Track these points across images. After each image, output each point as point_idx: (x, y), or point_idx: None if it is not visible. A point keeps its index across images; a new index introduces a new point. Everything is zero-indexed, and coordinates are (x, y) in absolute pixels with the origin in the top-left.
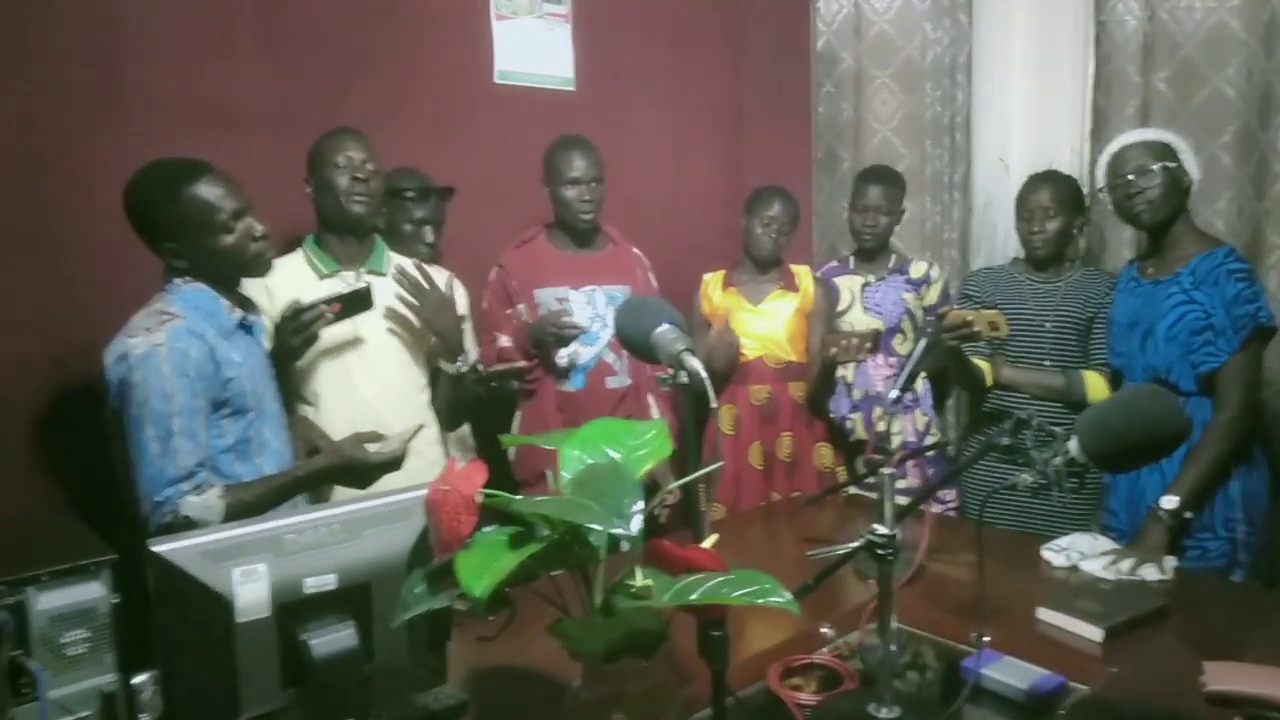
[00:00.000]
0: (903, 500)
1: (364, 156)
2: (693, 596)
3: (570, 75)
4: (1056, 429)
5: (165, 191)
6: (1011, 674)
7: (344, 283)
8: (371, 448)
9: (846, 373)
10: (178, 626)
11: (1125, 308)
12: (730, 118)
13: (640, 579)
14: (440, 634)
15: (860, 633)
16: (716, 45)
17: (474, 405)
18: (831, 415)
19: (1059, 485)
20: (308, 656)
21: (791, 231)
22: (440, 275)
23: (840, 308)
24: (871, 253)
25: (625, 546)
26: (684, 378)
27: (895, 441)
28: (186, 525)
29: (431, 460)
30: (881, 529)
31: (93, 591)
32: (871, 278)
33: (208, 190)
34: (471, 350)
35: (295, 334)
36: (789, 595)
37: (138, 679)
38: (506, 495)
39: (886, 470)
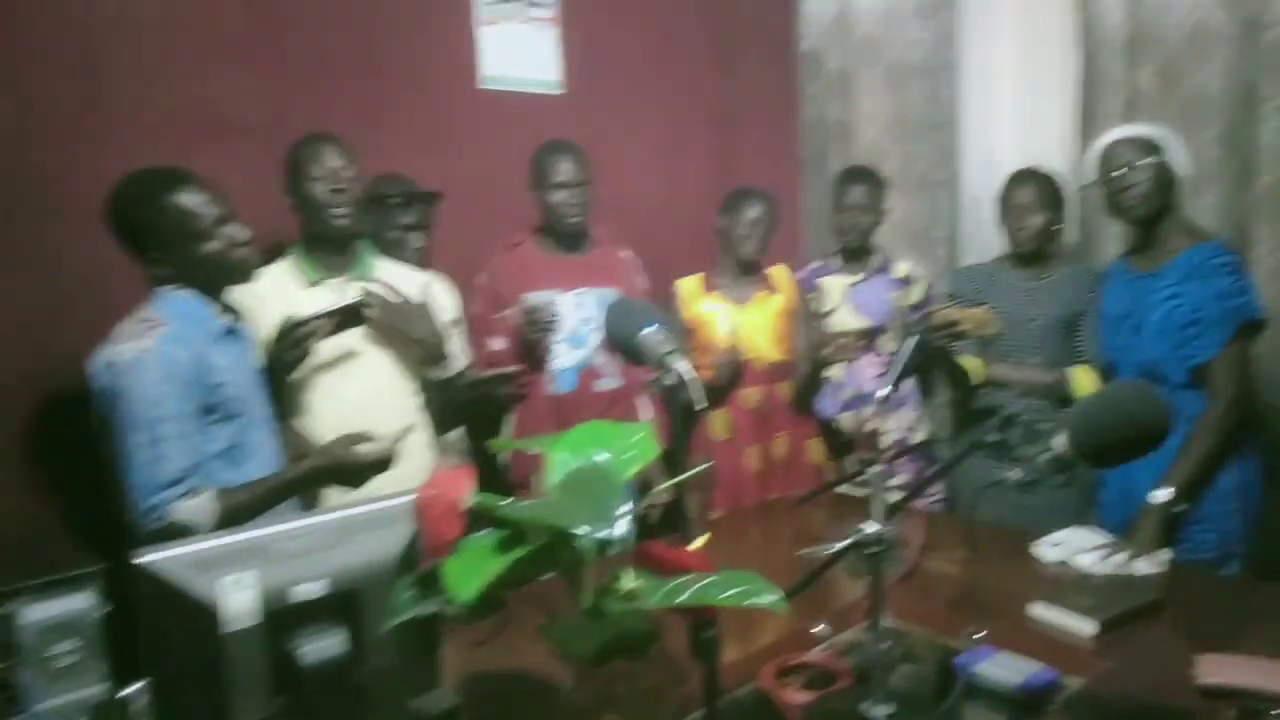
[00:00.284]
0: (895, 497)
1: (340, 163)
2: (681, 598)
3: (557, 78)
4: (1043, 425)
5: (146, 201)
6: (1005, 669)
7: (332, 290)
8: (361, 449)
9: (836, 372)
10: (166, 637)
11: (1115, 301)
12: (718, 119)
13: (629, 581)
14: (432, 638)
15: (853, 631)
16: (703, 46)
17: (465, 409)
18: (820, 415)
19: (1046, 481)
20: (298, 664)
21: (772, 232)
22: (418, 279)
23: (827, 308)
24: (856, 252)
25: (614, 549)
26: (671, 379)
27: (886, 439)
28: (178, 531)
29: (423, 464)
30: (871, 527)
31: (81, 602)
32: (857, 277)
33: (189, 198)
34: (461, 355)
35: (290, 349)
36: (778, 595)
37: (128, 690)
38: (494, 499)
39: (876, 468)
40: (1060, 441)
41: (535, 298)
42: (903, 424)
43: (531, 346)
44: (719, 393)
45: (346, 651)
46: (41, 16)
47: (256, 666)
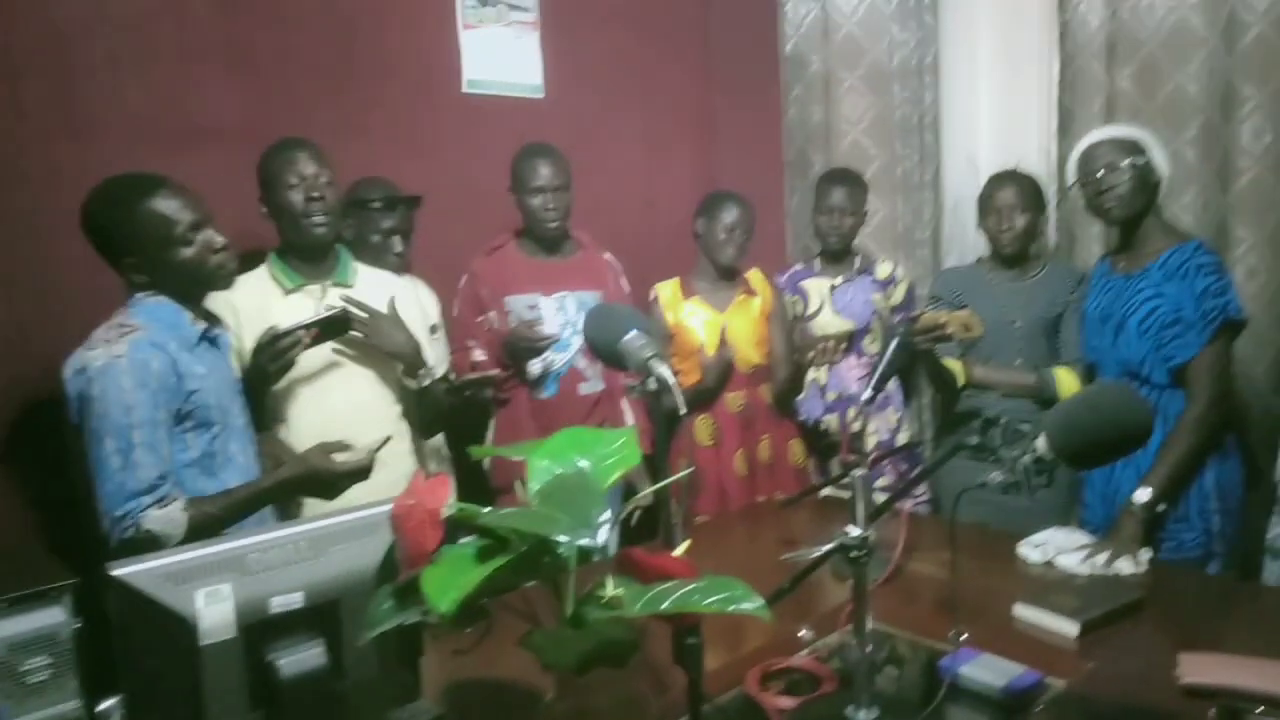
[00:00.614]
0: (881, 498)
1: (315, 169)
2: (663, 605)
3: (539, 82)
4: (1024, 427)
5: (121, 206)
6: (988, 671)
7: (310, 297)
8: (338, 458)
9: (819, 374)
10: (141, 651)
11: (1097, 303)
12: (701, 121)
13: (611, 589)
14: (412, 649)
15: (838, 634)
16: (686, 49)
17: (447, 414)
18: (803, 418)
19: (1028, 483)
20: (276, 677)
21: (751, 236)
22: (398, 283)
23: (810, 310)
24: (838, 254)
25: (595, 557)
26: (653, 384)
27: (870, 441)
28: (149, 540)
29: (403, 472)
30: (854, 530)
31: (53, 617)
32: (839, 279)
33: (164, 203)
34: (442, 359)
35: (272, 360)
36: (760, 601)
37: (103, 705)
38: (474, 508)
39: (859, 472)
40: (1041, 443)
41: (514, 302)
42: (886, 425)
43: (519, 360)
44: (708, 395)
45: (325, 663)
46: (15, 20)
47: (234, 679)
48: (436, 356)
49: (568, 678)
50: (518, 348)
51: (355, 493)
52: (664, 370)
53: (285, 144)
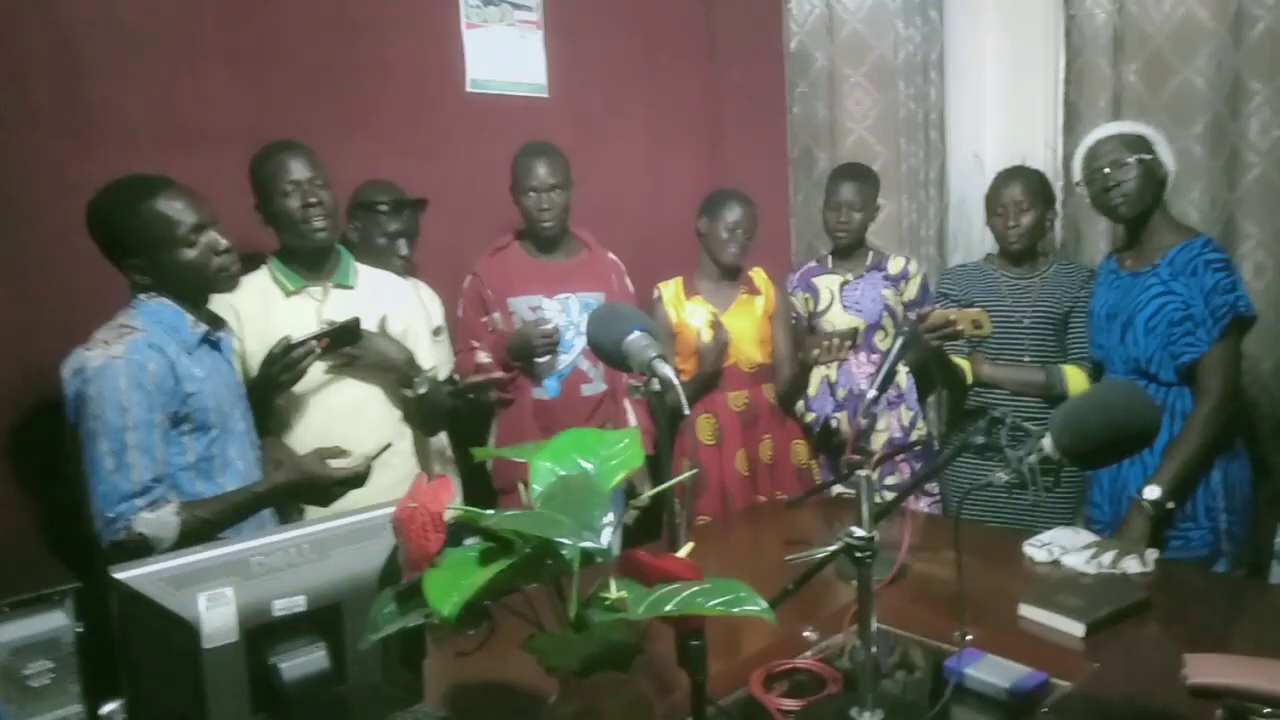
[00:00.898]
0: (889, 497)
1: (310, 174)
2: (667, 607)
3: (543, 82)
4: (1030, 426)
5: (126, 207)
6: (994, 673)
7: (312, 298)
8: (334, 464)
9: (830, 372)
10: (143, 654)
11: (1104, 300)
12: (706, 120)
13: (614, 591)
14: (415, 652)
15: (843, 635)
16: (690, 48)
17: (450, 415)
18: (815, 415)
19: (1034, 483)
20: (278, 680)
21: (754, 235)
22: (401, 284)
23: (820, 307)
24: (847, 250)
25: (598, 559)
26: (656, 385)
27: (880, 439)
28: (140, 543)
29: (405, 474)
30: (859, 531)
31: (55, 621)
32: (850, 276)
33: (167, 204)
34: (446, 361)
35: (284, 370)
36: (764, 603)
37: (105, 708)
38: (476, 511)
39: (863, 472)
40: (1047, 443)
41: (517, 303)
42: (898, 423)
43: (524, 360)
44: (709, 381)
45: (327, 667)
46: (20, 21)
47: (236, 683)
48: (440, 358)
49: (571, 680)
50: (527, 346)
51: (355, 497)
52: (667, 370)
53: (275, 149)
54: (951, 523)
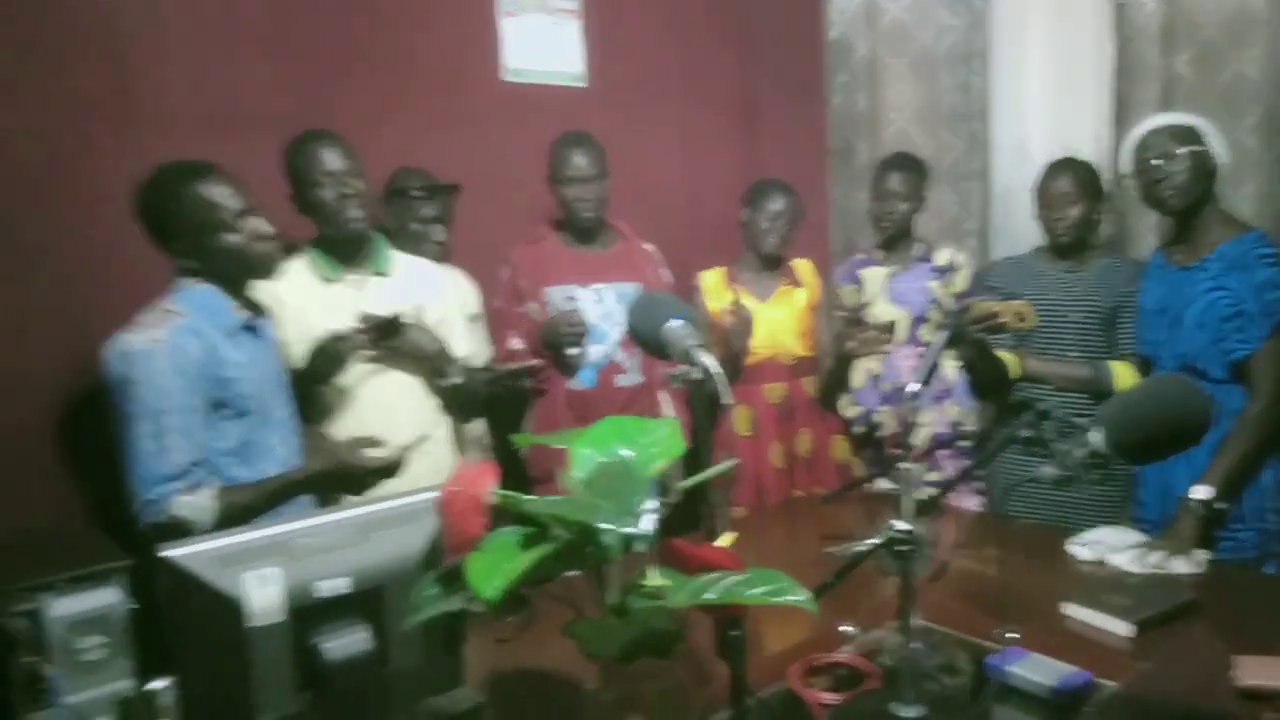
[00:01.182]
0: (931, 493)
1: (343, 166)
2: (708, 595)
3: (581, 71)
4: (1078, 420)
5: (171, 191)
6: (1038, 671)
7: (350, 286)
8: (368, 453)
9: (874, 365)
10: (191, 632)
11: (1153, 295)
12: (744, 109)
13: (655, 578)
14: (455, 636)
15: (883, 630)
16: (729, 36)
17: (487, 402)
18: (860, 408)
19: (1082, 477)
20: (322, 661)
21: (796, 226)
22: (436, 271)
23: (865, 299)
24: (893, 241)
25: (638, 546)
26: (696, 374)
27: (924, 434)
28: (177, 526)
29: (444, 462)
30: (901, 524)
31: (109, 598)
32: (896, 268)
33: (211, 189)
34: (482, 349)
35: (331, 364)
36: (806, 593)
37: (155, 685)
38: (518, 496)
39: (906, 465)
40: (1096, 437)
41: (553, 293)
42: (948, 417)
43: (556, 349)
44: (737, 361)
45: (370, 648)
46: (70, 12)
47: (281, 662)
48: (476, 346)
49: (611, 667)
50: (555, 336)
51: (391, 485)
52: (708, 359)
53: (308, 139)
54: (994, 519)
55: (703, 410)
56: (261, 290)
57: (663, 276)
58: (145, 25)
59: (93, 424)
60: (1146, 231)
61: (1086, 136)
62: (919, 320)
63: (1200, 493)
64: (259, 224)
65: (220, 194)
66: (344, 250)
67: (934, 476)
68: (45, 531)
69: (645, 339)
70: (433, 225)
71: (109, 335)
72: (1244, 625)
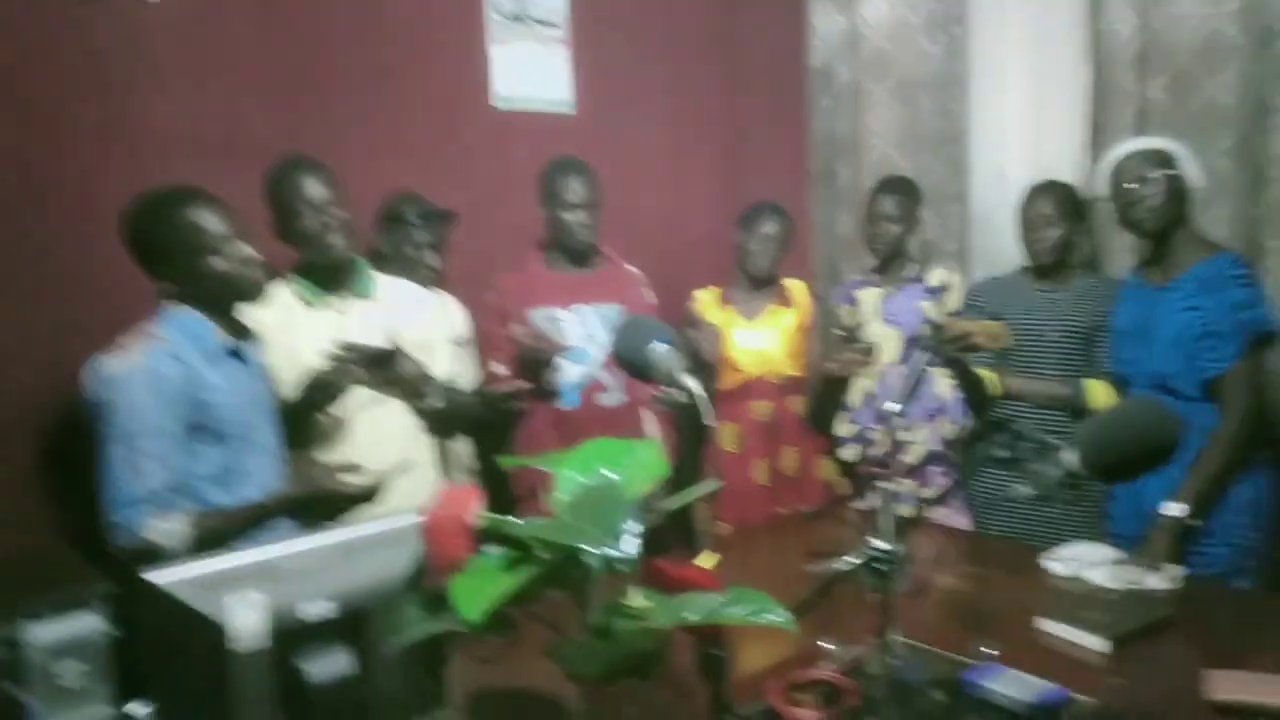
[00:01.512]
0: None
1: (324, 195)
2: (690, 616)
3: (569, 97)
4: (1050, 440)
5: (157, 215)
6: (1014, 686)
7: (335, 310)
8: (345, 478)
9: (870, 384)
10: (172, 656)
11: (1128, 314)
12: (728, 134)
13: (637, 599)
14: (438, 658)
15: (862, 647)
16: (713, 64)
17: (476, 424)
18: (855, 426)
19: (1056, 496)
20: (304, 683)
21: (787, 248)
22: (422, 294)
23: (860, 320)
24: (887, 262)
25: (621, 568)
26: (681, 397)
27: (917, 451)
28: (149, 549)
29: (430, 482)
30: (880, 543)
31: (89, 623)
32: (891, 288)
33: (198, 214)
34: (470, 372)
35: (326, 397)
36: (786, 613)
37: (134, 709)
38: (502, 519)
39: (886, 485)
40: (1070, 457)
41: (535, 315)
42: (938, 435)
43: (535, 373)
44: (711, 374)
45: (353, 671)
46: (55, 33)
47: (263, 686)
48: (465, 369)
49: (593, 688)
50: (530, 359)
51: (370, 510)
52: (691, 382)
53: (290, 169)
54: (971, 536)
55: (688, 432)
56: (245, 315)
57: (646, 298)
58: (132, 51)
59: (74, 447)
60: (1122, 252)
61: (1063, 160)
62: (912, 340)
63: (1173, 509)
64: (245, 249)
65: (207, 219)
66: (327, 275)
67: (928, 493)
68: (24, 556)
69: (630, 362)
70: (427, 251)
71: (88, 355)
72: (1216, 640)
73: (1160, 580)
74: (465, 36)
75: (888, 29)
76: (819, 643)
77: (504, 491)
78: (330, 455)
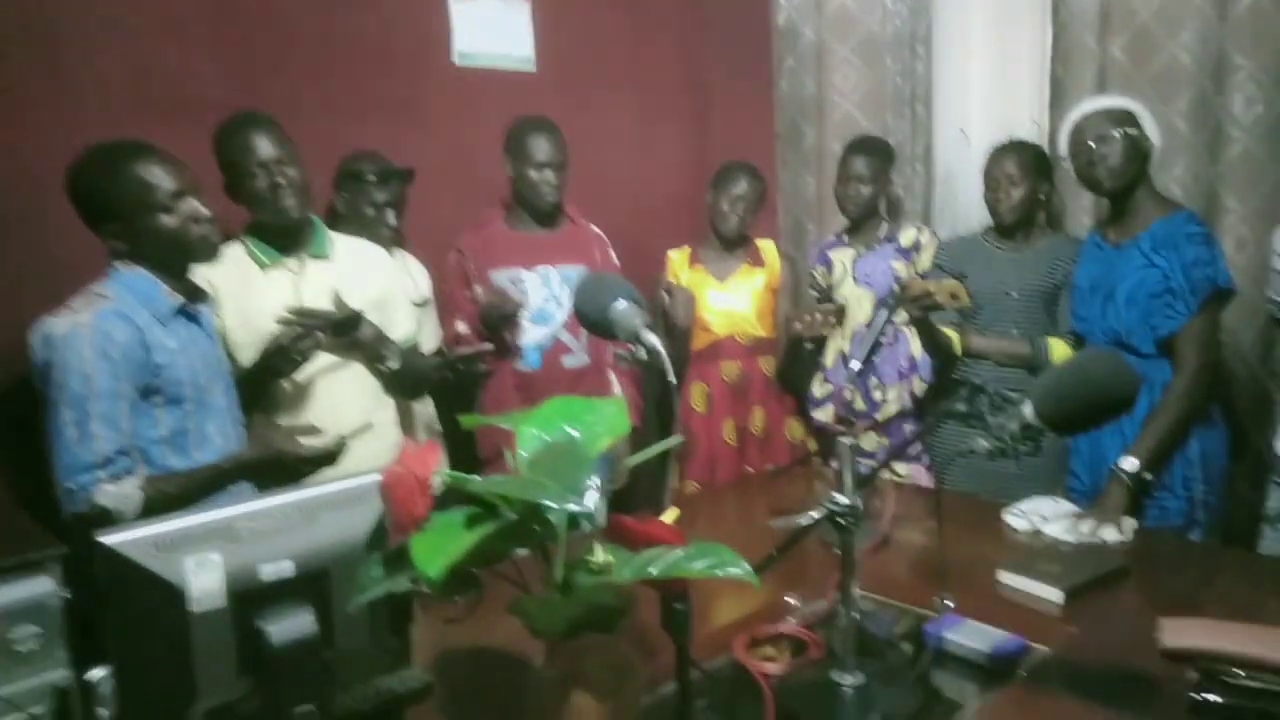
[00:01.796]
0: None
1: (276, 153)
2: (651, 570)
3: (530, 55)
4: (1012, 394)
5: (104, 170)
6: (973, 637)
7: (289, 271)
8: (304, 441)
9: (844, 344)
10: (129, 619)
11: (1087, 273)
12: (693, 94)
13: (600, 555)
14: (402, 617)
15: (824, 601)
16: (678, 21)
17: (438, 385)
18: (829, 386)
19: (1014, 449)
20: (265, 644)
21: (758, 208)
22: (380, 254)
23: (834, 280)
24: (859, 223)
25: (584, 523)
26: (643, 354)
27: (889, 410)
28: (102, 515)
29: (390, 443)
30: (841, 498)
31: (42, 587)
32: (863, 249)
33: (146, 169)
34: (433, 333)
35: (288, 361)
36: (747, 567)
37: (94, 673)
38: (463, 476)
39: (846, 439)
40: (1028, 410)
41: (498, 276)
42: (914, 393)
43: (496, 330)
44: (681, 339)
45: (315, 631)
46: None
47: (223, 647)
48: (427, 330)
49: (557, 644)
50: (491, 317)
51: (331, 472)
52: (653, 338)
53: (239, 125)
54: (932, 491)
55: (652, 390)
56: (197, 277)
57: (610, 258)
58: (79, 6)
59: (23, 410)
60: (1082, 212)
61: (1024, 119)
62: (883, 300)
63: (1128, 464)
64: (196, 206)
65: (156, 174)
66: (281, 235)
67: (893, 449)
68: None
69: (592, 320)
70: (385, 210)
71: (34, 317)
72: (1171, 589)
73: (1115, 533)
74: None
75: None
76: (784, 598)
77: (471, 453)
78: (290, 418)
